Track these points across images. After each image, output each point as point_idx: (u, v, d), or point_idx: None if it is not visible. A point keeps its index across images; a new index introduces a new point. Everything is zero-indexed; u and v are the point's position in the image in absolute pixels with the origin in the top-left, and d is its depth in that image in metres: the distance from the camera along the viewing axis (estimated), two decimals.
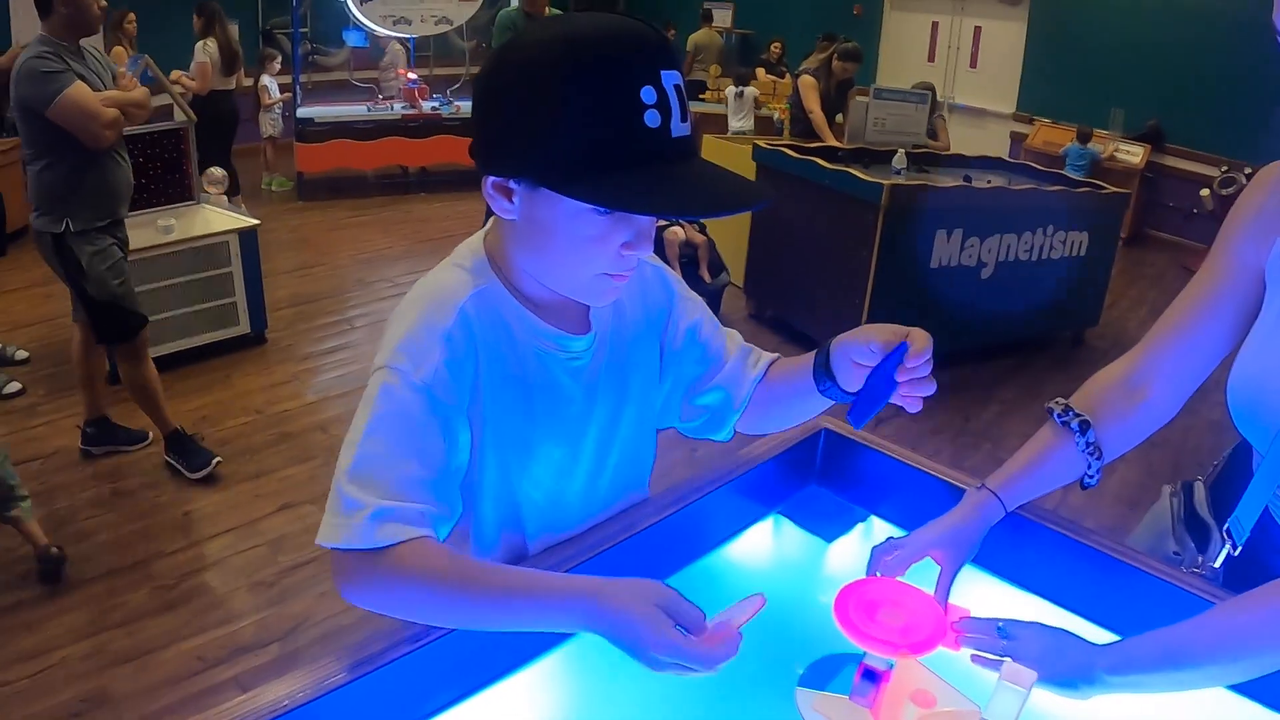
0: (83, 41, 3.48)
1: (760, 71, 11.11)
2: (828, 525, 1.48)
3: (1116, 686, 1.07)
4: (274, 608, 3.02)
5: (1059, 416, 1.32)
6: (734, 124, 9.24)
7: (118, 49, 7.58)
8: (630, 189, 0.94)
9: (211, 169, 5.62)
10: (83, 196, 3.51)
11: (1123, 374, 1.35)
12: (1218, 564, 1.30)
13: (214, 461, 3.76)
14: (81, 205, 3.51)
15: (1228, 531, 1.29)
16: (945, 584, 1.24)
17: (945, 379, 4.34)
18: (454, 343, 1.07)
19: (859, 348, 1.13)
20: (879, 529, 1.49)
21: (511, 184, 1.03)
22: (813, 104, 6.86)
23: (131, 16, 7.74)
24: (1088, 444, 1.30)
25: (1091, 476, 1.32)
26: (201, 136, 7.35)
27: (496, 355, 1.12)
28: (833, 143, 6.40)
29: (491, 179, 1.04)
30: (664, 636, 0.92)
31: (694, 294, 1.36)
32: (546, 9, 6.16)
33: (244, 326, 4.95)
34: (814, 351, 1.22)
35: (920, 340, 1.10)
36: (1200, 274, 1.32)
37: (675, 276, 1.35)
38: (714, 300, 5.82)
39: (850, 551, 1.42)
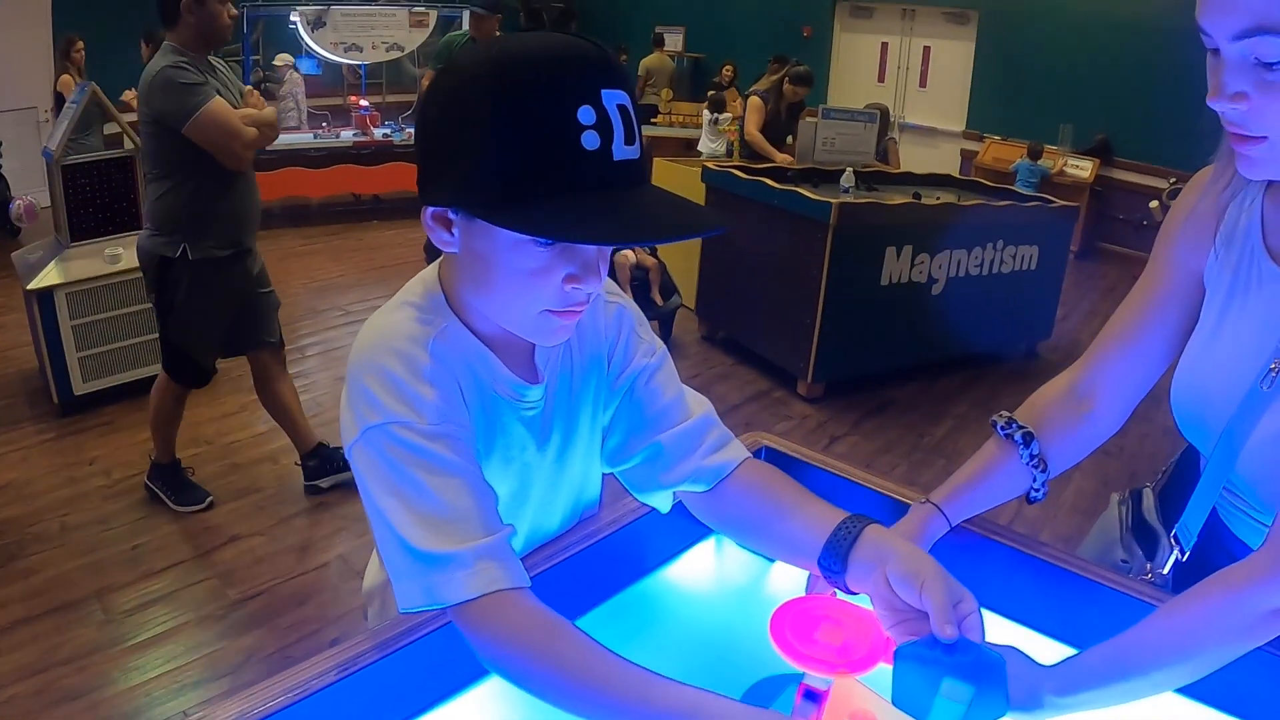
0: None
1: (731, 93, 11.17)
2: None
3: (1065, 708, 1.04)
4: (224, 641, 2.97)
5: (1002, 429, 1.31)
6: (707, 147, 9.30)
7: (64, 77, 7.51)
8: (561, 216, 0.88)
9: None
10: (208, 221, 3.32)
11: (1068, 386, 1.34)
12: (1166, 570, 1.31)
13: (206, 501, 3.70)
14: (205, 231, 3.32)
15: (1175, 537, 1.29)
16: None
17: (897, 395, 4.38)
18: (439, 378, 1.02)
19: (908, 587, 1.00)
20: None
21: (450, 214, 0.98)
22: (752, 126, 6.89)
23: (80, 44, 7.66)
24: (1031, 456, 1.29)
25: (1037, 490, 1.31)
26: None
27: (471, 391, 1.07)
28: (781, 161, 6.44)
29: (430, 209, 0.99)
30: None
31: (657, 343, 1.26)
32: (496, 35, 6.18)
33: None
34: (836, 516, 1.10)
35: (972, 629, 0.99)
36: (1141, 282, 1.32)
37: (638, 320, 1.25)
38: (666, 323, 5.83)
39: (793, 571, 1.40)
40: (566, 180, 0.89)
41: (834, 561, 1.07)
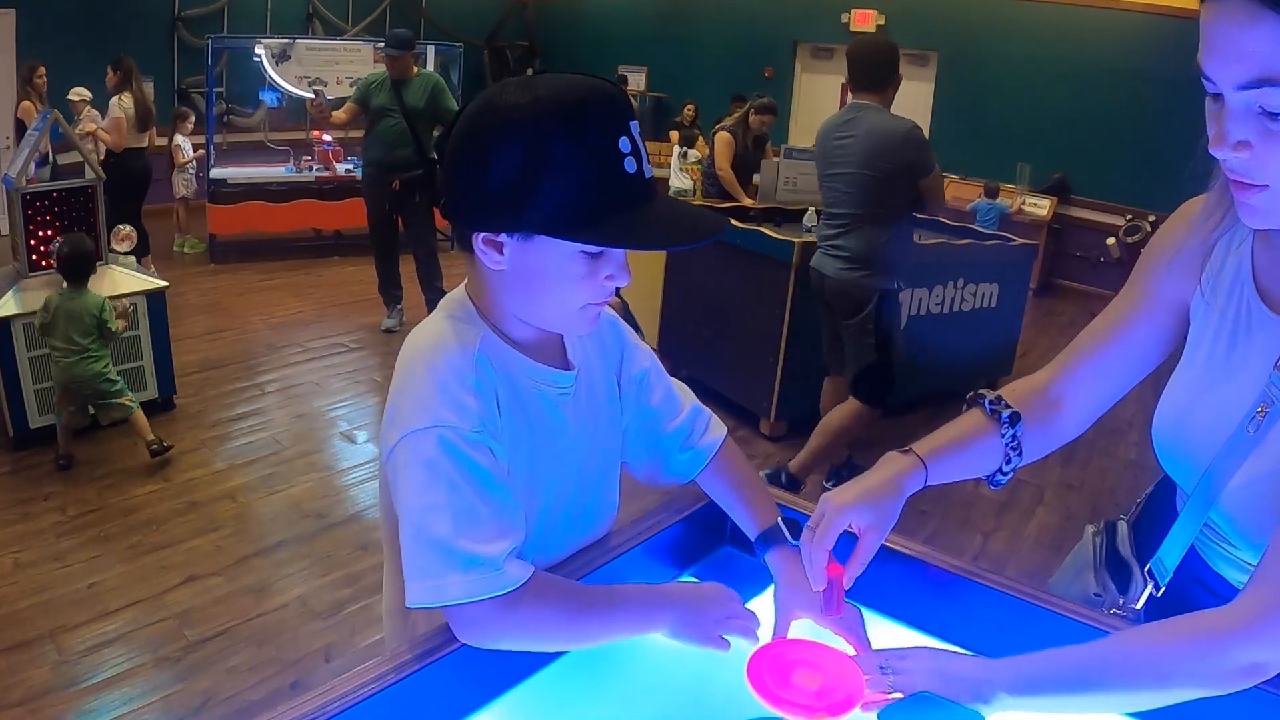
0: None
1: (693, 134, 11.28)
2: (741, 587, 1.43)
3: (1015, 706, 1.06)
4: (181, 684, 2.92)
5: (990, 404, 1.32)
6: (675, 183, 9.37)
7: (25, 103, 7.44)
8: (627, 229, 1.07)
9: (120, 226, 5.50)
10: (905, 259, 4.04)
11: (1043, 384, 1.36)
12: (1139, 605, 1.31)
13: None
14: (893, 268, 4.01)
15: (1149, 572, 1.30)
16: (864, 558, 1.20)
17: (862, 433, 4.34)
18: (482, 390, 1.13)
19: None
20: None
21: (502, 238, 1.11)
22: (724, 162, 6.95)
23: (42, 71, 7.60)
24: (1013, 437, 1.30)
25: (1005, 473, 1.32)
26: (113, 194, 7.23)
27: (508, 398, 1.18)
28: (746, 201, 6.48)
29: (483, 235, 1.12)
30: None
31: (641, 341, 1.45)
32: (414, 71, 6.19)
33: (151, 391, 4.83)
34: (761, 523, 1.38)
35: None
36: (1117, 300, 1.33)
37: (623, 322, 1.43)
38: None
39: (765, 613, 1.40)
40: (620, 199, 1.07)
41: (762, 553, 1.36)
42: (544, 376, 1.23)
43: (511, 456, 1.17)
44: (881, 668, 1.13)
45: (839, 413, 4.24)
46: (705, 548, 1.53)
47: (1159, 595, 1.29)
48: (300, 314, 6.90)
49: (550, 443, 1.25)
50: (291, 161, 9.17)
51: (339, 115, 6.63)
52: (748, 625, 1.23)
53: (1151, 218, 8.50)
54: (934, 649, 1.14)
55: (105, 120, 7.22)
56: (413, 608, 1.08)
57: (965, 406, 1.36)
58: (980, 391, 1.34)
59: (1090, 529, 1.53)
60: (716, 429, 1.46)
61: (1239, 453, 1.14)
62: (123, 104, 7.19)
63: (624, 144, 1.07)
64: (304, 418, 5.13)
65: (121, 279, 4.83)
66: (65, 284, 4.22)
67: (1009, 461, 1.30)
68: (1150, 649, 1.04)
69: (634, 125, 1.09)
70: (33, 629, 3.14)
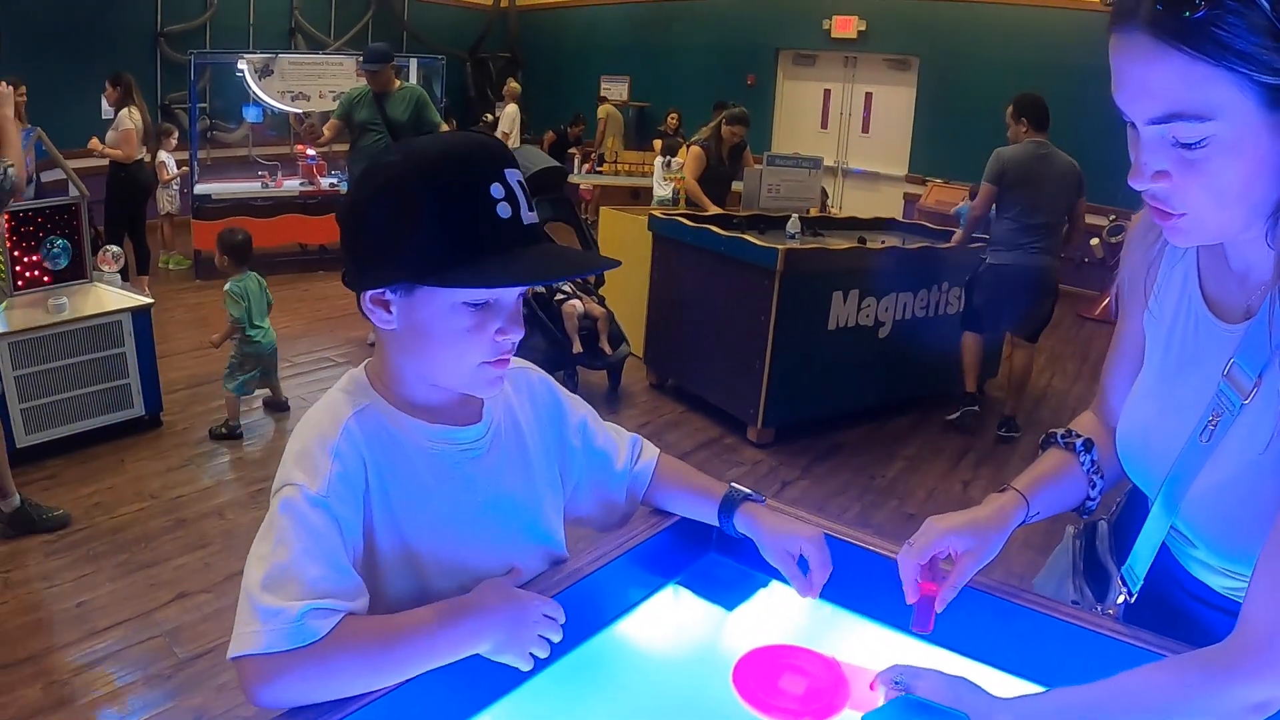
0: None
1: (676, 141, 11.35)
2: (728, 593, 1.46)
3: None
4: (172, 701, 2.91)
5: (1062, 439, 1.37)
6: (659, 192, 9.39)
7: None
8: (499, 269, 1.08)
9: (108, 247, 5.50)
10: None
11: (1095, 419, 1.42)
12: (1113, 611, 1.32)
13: None
14: None
15: (1122, 579, 1.31)
16: (956, 582, 1.23)
17: (847, 438, 4.41)
18: (342, 455, 1.13)
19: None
20: (780, 594, 1.46)
21: (388, 294, 1.14)
22: (690, 174, 6.95)
23: (22, 89, 7.59)
24: (1092, 462, 1.35)
25: (1093, 500, 1.37)
26: (120, 207, 7.24)
27: (386, 461, 1.17)
28: (713, 211, 6.46)
29: (369, 294, 1.15)
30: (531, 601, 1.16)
31: (575, 396, 1.49)
32: (396, 84, 6.19)
33: (138, 409, 4.82)
34: (714, 498, 1.43)
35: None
36: (1116, 331, 1.38)
37: (556, 383, 1.47)
38: (615, 372, 5.85)
39: (752, 619, 1.42)
40: (492, 243, 1.09)
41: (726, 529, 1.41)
42: (441, 435, 1.22)
43: (394, 519, 1.18)
44: (895, 682, 1.13)
45: (1029, 358, 5.74)
46: (690, 556, 1.53)
47: (1132, 602, 1.30)
48: (287, 328, 6.88)
49: (454, 500, 1.23)
50: (267, 178, 9.16)
51: (326, 132, 6.64)
52: (554, 624, 1.17)
53: (1135, 217, 8.51)
54: (949, 675, 1.13)
55: (115, 134, 7.24)
56: (231, 658, 1.05)
57: (1040, 449, 1.41)
58: (1051, 431, 1.40)
59: (1070, 530, 1.55)
60: (651, 449, 1.53)
61: (1194, 462, 1.15)
62: (132, 116, 7.25)
63: (496, 190, 1.09)
64: (290, 435, 5.12)
65: (107, 296, 4.83)
66: (238, 270, 4.98)
67: (1094, 486, 1.36)
68: (1155, 688, 1.04)
69: (511, 174, 1.11)
70: (22, 649, 3.13)
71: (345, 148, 9.63)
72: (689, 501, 1.47)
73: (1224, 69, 0.89)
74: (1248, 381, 1.10)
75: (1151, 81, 0.94)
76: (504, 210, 1.09)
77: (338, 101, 6.83)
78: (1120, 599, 1.32)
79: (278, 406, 5.39)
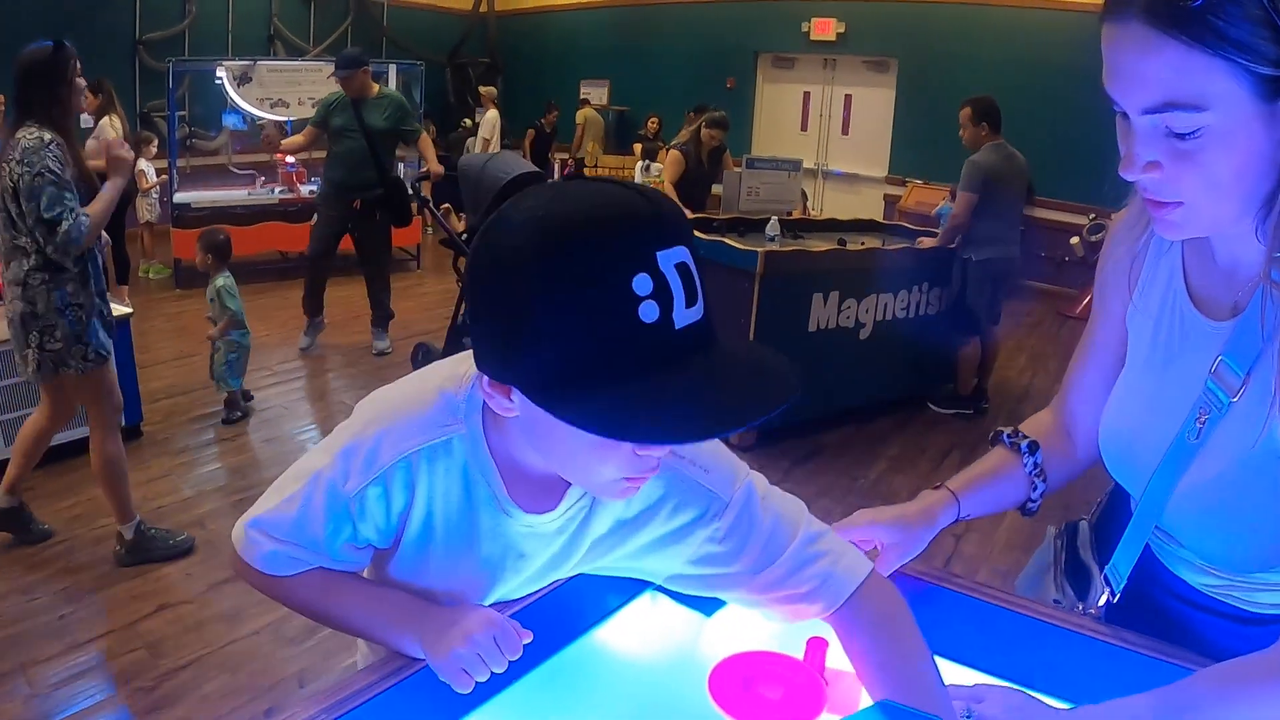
0: None
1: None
2: (706, 599, 1.45)
3: None
4: (155, 714, 2.90)
5: (1008, 438, 1.39)
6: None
7: None
8: (620, 409, 0.81)
9: None
10: None
11: (1051, 424, 1.43)
12: (1096, 610, 1.32)
13: None
14: None
15: (1106, 578, 1.31)
16: (882, 573, 1.23)
17: (830, 440, 4.41)
18: (385, 481, 1.06)
19: None
20: None
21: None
22: (669, 178, 6.97)
23: (1, 99, 7.55)
24: (1035, 464, 1.36)
25: (1034, 501, 1.38)
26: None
27: (441, 501, 1.09)
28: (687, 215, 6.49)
29: (486, 376, 0.93)
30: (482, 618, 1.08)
31: (725, 486, 1.15)
32: (374, 90, 6.16)
33: None
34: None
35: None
36: (1087, 327, 1.38)
37: (692, 473, 1.14)
38: None
39: (731, 624, 1.41)
40: (626, 362, 0.81)
41: None
42: (503, 504, 1.09)
43: (423, 554, 1.15)
44: (965, 716, 1.10)
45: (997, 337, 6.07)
46: None
47: (1115, 601, 1.30)
48: (266, 336, 6.86)
49: (495, 564, 1.16)
50: (254, 185, 9.14)
51: (297, 140, 6.61)
52: (497, 651, 1.06)
53: (1115, 216, 8.57)
54: (1011, 690, 1.12)
55: (95, 143, 7.19)
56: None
57: (990, 445, 1.43)
58: (999, 429, 1.42)
59: (1052, 530, 1.55)
60: (861, 561, 1.19)
61: (1182, 461, 1.15)
62: (114, 124, 7.22)
63: (641, 284, 0.80)
64: (272, 442, 5.11)
65: None
66: (220, 270, 5.20)
67: (1035, 489, 1.37)
68: (1228, 691, 1.02)
69: (667, 256, 0.82)
70: (3, 663, 3.11)
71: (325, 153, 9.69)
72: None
73: (1220, 59, 0.89)
74: (1236, 380, 1.10)
75: (1147, 71, 0.94)
76: (648, 312, 0.81)
77: (315, 107, 6.80)
78: (1103, 598, 1.32)
79: (245, 398, 5.50)
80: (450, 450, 1.06)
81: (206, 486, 4.49)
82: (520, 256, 0.83)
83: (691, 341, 0.84)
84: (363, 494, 1.07)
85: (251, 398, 5.55)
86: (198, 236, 5.42)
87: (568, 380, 0.82)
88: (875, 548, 1.27)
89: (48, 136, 3.23)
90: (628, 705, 1.24)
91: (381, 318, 6.66)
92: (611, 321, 0.81)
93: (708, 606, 1.43)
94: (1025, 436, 1.38)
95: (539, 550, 1.16)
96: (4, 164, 3.23)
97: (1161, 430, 1.18)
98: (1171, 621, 1.28)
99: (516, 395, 0.91)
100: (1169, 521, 1.22)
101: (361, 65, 6.13)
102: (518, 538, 1.13)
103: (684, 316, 0.83)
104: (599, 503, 1.13)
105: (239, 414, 5.31)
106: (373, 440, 1.06)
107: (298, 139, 6.58)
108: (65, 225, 3.19)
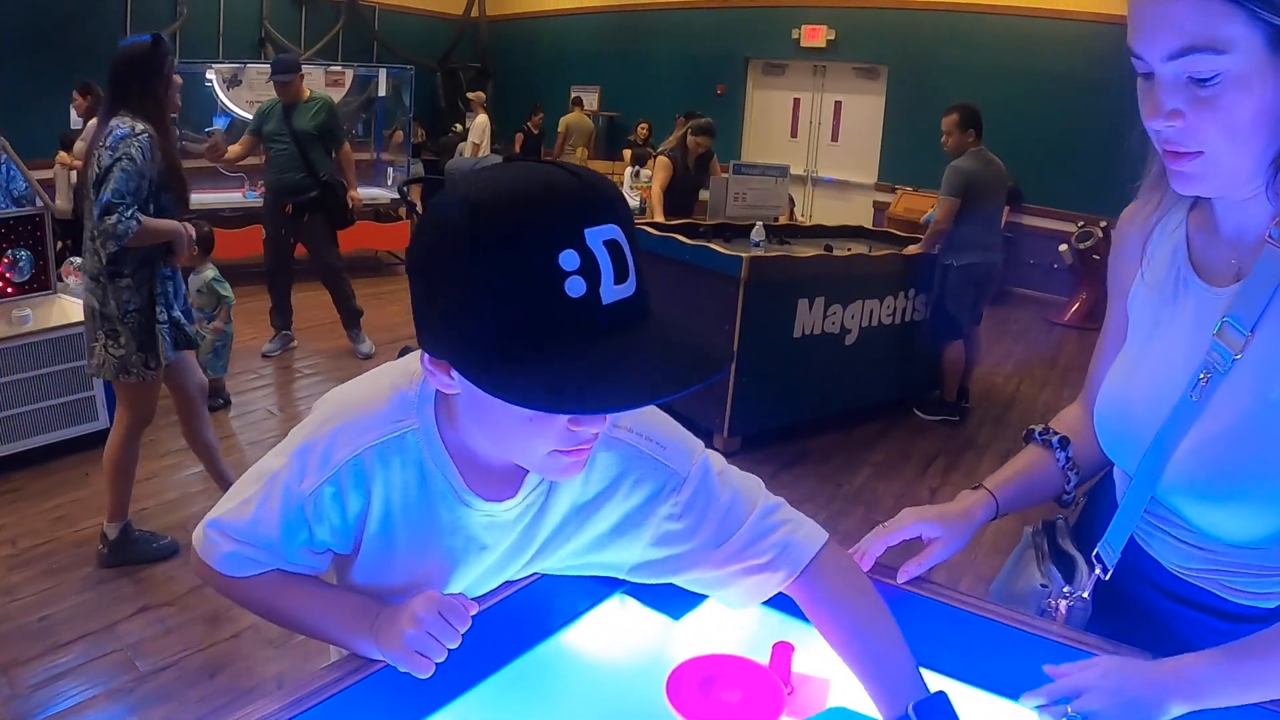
0: None
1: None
2: (675, 602, 1.42)
3: (1188, 709, 1.09)
4: (134, 716, 2.90)
5: (1040, 435, 1.47)
6: (629, 201, 9.43)
7: None
8: (542, 381, 0.83)
9: (71, 259, 5.47)
10: None
11: (1077, 417, 1.49)
12: (1086, 594, 1.34)
13: None
14: None
15: (1097, 556, 1.33)
16: (925, 562, 1.33)
17: (814, 446, 4.42)
18: (339, 481, 1.08)
19: None
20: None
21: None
22: (656, 185, 6.97)
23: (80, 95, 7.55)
24: (1067, 458, 1.43)
25: (1069, 493, 1.45)
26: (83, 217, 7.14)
27: (399, 497, 1.11)
28: (661, 221, 6.46)
29: (426, 354, 0.95)
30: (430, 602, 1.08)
31: (682, 461, 1.19)
32: (306, 94, 6.13)
33: (102, 422, 4.78)
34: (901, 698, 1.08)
35: None
36: (1106, 327, 1.43)
37: (649, 450, 1.17)
38: None
39: (699, 628, 1.40)
40: (552, 336, 0.83)
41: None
42: (462, 495, 1.10)
43: (385, 551, 1.16)
44: (1066, 712, 1.11)
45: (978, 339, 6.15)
46: None
47: (1106, 579, 1.32)
48: (253, 339, 6.85)
49: (460, 556, 1.17)
50: (245, 188, 9.13)
51: (234, 149, 6.58)
52: (447, 626, 1.06)
53: (1103, 223, 8.63)
54: (1110, 662, 1.14)
55: (84, 144, 7.16)
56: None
57: (1024, 442, 1.50)
58: (1031, 427, 1.50)
59: (1028, 529, 1.58)
60: (815, 531, 1.21)
61: (1184, 421, 1.19)
62: None
63: (567, 260, 0.82)
64: (257, 445, 5.11)
65: (72, 308, 4.80)
66: (204, 262, 5.38)
67: (1069, 481, 1.44)
68: None
69: (597, 233, 0.84)
70: None
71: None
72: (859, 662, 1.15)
73: (1238, 5, 0.98)
74: (1239, 338, 1.14)
75: (1172, 16, 1.01)
76: (575, 287, 0.82)
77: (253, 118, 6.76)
78: (1091, 580, 1.34)
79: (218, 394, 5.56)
80: (405, 445, 1.07)
81: (191, 489, 4.49)
82: (451, 233, 0.85)
83: (620, 317, 0.86)
84: (318, 493, 1.08)
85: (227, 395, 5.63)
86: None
87: (494, 352, 0.85)
88: (921, 540, 1.36)
89: (139, 127, 3.33)
90: (591, 707, 1.24)
91: (349, 318, 6.66)
92: (537, 295, 0.82)
93: (676, 610, 1.42)
94: (1055, 433, 1.45)
95: (499, 540, 1.17)
96: (95, 151, 3.32)
97: (1163, 394, 1.22)
98: (1150, 617, 1.31)
99: (455, 373, 0.93)
100: (1165, 491, 1.24)
101: (298, 71, 6.13)
102: (478, 529, 1.14)
103: (612, 293, 0.85)
104: (556, 487, 1.14)
105: (220, 401, 5.40)
106: (328, 438, 1.08)
107: (236, 148, 6.55)
108: (115, 216, 3.24)
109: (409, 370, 1.10)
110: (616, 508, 1.17)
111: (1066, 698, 1.11)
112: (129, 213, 3.25)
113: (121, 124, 3.30)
